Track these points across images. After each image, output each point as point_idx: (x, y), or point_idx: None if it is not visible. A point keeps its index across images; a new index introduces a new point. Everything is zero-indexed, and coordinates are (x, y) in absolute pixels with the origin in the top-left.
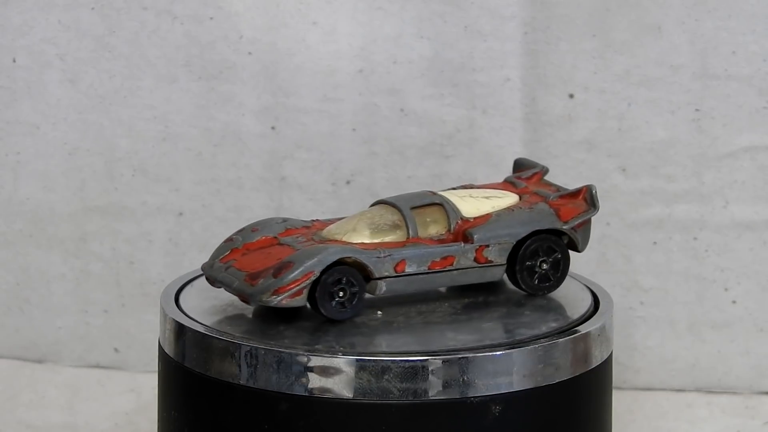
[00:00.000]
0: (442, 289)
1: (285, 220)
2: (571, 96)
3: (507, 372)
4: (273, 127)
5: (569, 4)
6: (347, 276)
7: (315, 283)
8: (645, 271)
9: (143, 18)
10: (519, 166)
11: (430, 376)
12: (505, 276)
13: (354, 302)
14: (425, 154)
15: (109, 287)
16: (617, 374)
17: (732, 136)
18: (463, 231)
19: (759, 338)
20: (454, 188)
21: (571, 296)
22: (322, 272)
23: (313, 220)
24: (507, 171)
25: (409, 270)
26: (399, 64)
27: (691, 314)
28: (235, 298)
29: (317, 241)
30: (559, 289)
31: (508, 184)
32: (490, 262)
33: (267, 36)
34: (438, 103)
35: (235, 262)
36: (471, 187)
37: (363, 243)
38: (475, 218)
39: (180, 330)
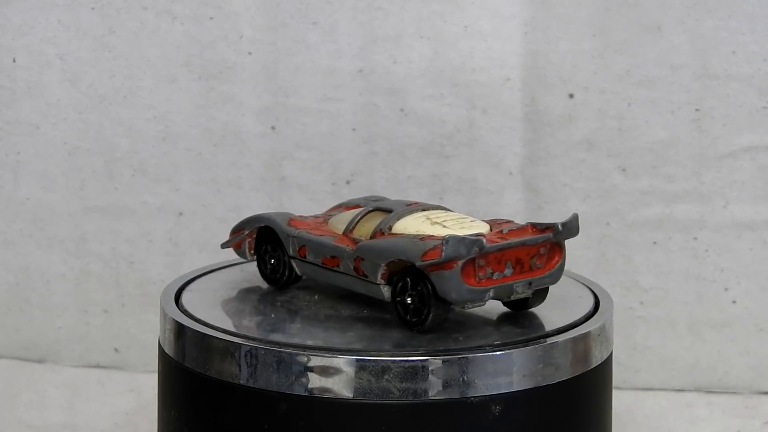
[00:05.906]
0: None
1: (378, 199)
2: (571, 96)
3: (507, 372)
4: (273, 127)
5: (569, 4)
6: (271, 245)
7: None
8: (645, 271)
9: (143, 18)
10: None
11: (430, 376)
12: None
13: (281, 267)
14: (425, 154)
15: (109, 287)
16: (617, 374)
17: (732, 136)
18: None
19: (759, 338)
20: (497, 219)
21: (571, 296)
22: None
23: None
24: (507, 171)
25: (309, 258)
26: (399, 64)
27: (691, 314)
28: (233, 297)
29: (319, 222)
30: (559, 289)
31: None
32: (366, 277)
33: (267, 36)
34: (438, 103)
35: None
36: (503, 222)
37: (304, 225)
38: (388, 234)
39: (180, 330)
